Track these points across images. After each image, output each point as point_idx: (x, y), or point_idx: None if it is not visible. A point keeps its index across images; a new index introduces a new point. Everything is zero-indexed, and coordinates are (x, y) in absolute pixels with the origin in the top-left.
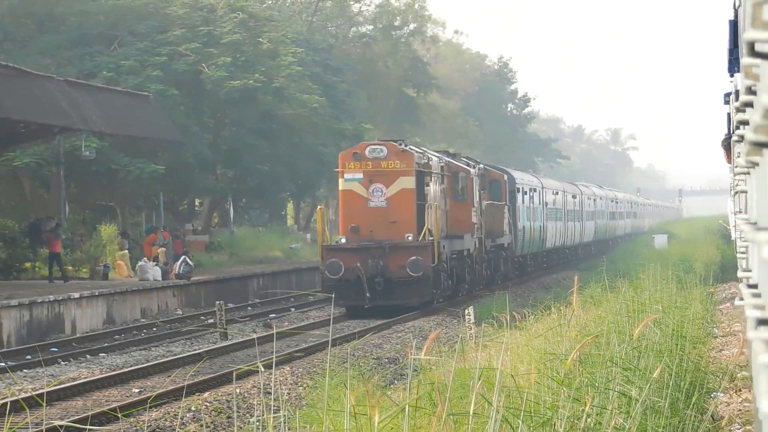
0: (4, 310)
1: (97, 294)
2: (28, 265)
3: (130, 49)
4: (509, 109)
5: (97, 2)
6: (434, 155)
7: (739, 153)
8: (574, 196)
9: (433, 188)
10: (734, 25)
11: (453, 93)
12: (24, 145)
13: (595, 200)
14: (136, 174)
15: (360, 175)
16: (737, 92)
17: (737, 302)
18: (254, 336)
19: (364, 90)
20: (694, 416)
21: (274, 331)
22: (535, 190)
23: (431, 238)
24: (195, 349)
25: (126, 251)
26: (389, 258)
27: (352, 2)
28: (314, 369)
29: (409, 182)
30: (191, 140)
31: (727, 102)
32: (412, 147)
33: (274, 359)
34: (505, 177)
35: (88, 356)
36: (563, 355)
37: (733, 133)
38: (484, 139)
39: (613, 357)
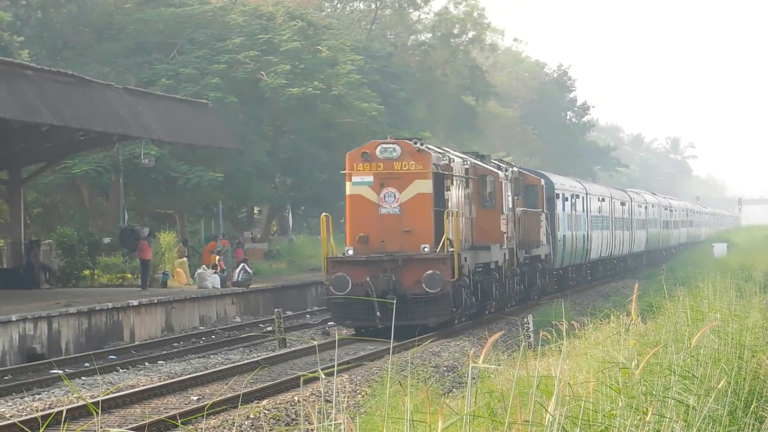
0: (62, 317)
1: (155, 301)
2: (86, 272)
3: (189, 57)
4: (568, 117)
5: (156, 11)
6: (458, 156)
7: None
8: (623, 203)
9: (456, 193)
10: None
11: (512, 101)
12: (83, 153)
13: (646, 208)
14: (194, 182)
15: (370, 178)
16: None
17: None
18: (314, 343)
19: (423, 98)
20: (753, 424)
21: (336, 338)
22: (577, 196)
23: (451, 250)
24: (253, 357)
25: (185, 259)
26: (403, 272)
27: (411, 10)
28: (372, 377)
29: (425, 186)
30: (250, 148)
31: None
32: (430, 146)
33: (336, 367)
34: (543, 182)
35: (146, 364)
36: (621, 363)
37: None
38: (542, 147)
39: (671, 365)
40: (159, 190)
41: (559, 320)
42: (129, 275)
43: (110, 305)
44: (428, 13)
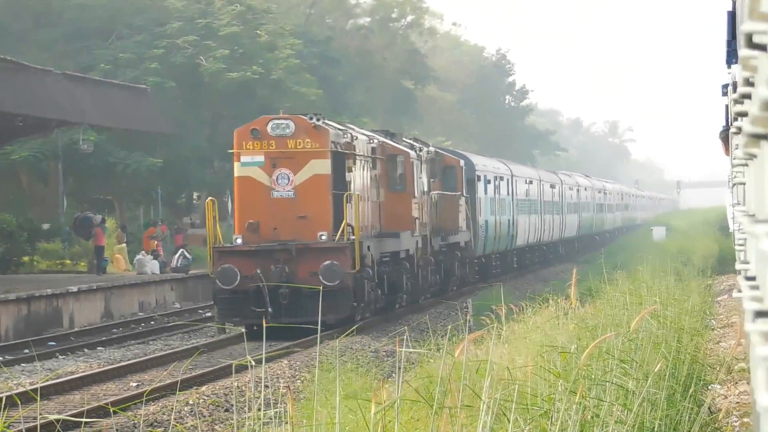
0: (2, 304)
1: (95, 288)
2: (26, 259)
3: (128, 42)
4: (507, 101)
5: None
6: (362, 133)
7: (737, 145)
8: (552, 186)
9: (360, 175)
10: (732, 17)
11: (451, 85)
12: (22, 139)
13: (578, 190)
14: (134, 168)
15: (260, 158)
16: (735, 84)
17: (735, 294)
18: (242, 330)
19: (362, 83)
20: (692, 408)
21: (264, 325)
22: (501, 179)
23: (352, 238)
24: (192, 343)
25: (124, 245)
26: (297, 263)
27: None
28: (312, 363)
29: (322, 166)
30: (189, 134)
31: (725, 94)
32: (329, 122)
33: (263, 354)
34: (462, 162)
35: (85, 350)
36: (561, 347)
37: (731, 124)
38: (482, 131)
39: (610, 349)
40: (98, 176)
41: (498, 305)
42: (68, 261)
43: (50, 291)
44: None
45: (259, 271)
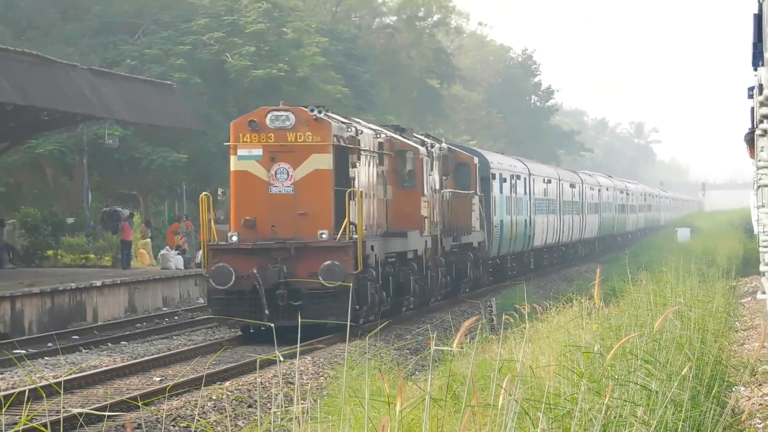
0: (26, 297)
1: (119, 282)
2: (50, 252)
3: (154, 38)
4: (533, 101)
5: None
6: (368, 127)
7: (762, 147)
8: (572, 185)
9: (365, 171)
10: (758, 19)
11: (476, 85)
12: (47, 133)
13: (599, 190)
14: (158, 163)
15: (258, 151)
16: (761, 86)
17: (759, 296)
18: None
19: (388, 81)
20: (714, 409)
21: (299, 321)
22: (518, 177)
23: (355, 236)
24: (216, 338)
25: (148, 240)
26: (296, 263)
27: None
28: (335, 359)
29: (324, 161)
30: (214, 129)
31: (750, 96)
32: (332, 114)
33: (298, 349)
34: (476, 160)
35: (109, 344)
36: (584, 347)
37: (756, 127)
38: (507, 131)
39: (633, 349)
40: (123, 171)
41: (523, 304)
42: (92, 255)
43: (74, 285)
44: None
45: (255, 271)
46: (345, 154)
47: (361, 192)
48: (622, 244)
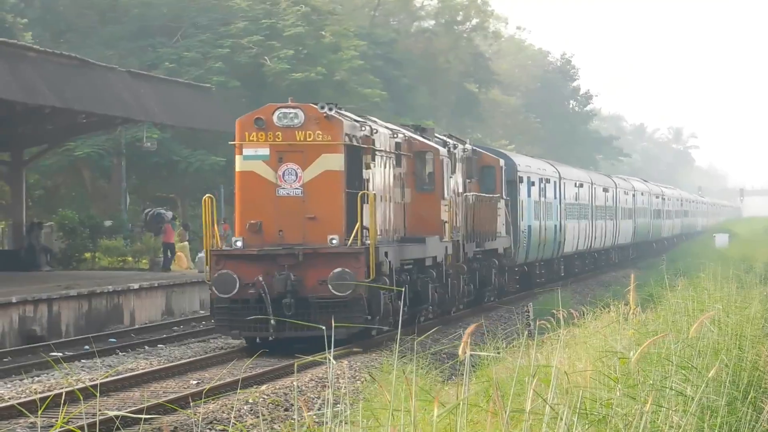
0: (63, 300)
1: (156, 285)
2: (87, 255)
3: (193, 41)
4: (571, 106)
5: None
6: (385, 127)
7: None
8: (605, 190)
9: (380, 172)
10: None
11: (514, 89)
12: (85, 136)
13: (634, 195)
14: (196, 166)
15: (265, 151)
16: None
17: None
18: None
19: (426, 85)
20: (751, 415)
21: (333, 325)
22: (547, 181)
23: (368, 242)
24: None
25: (186, 243)
26: (304, 270)
27: None
28: (372, 363)
29: (335, 162)
30: None
31: None
32: (344, 112)
33: (331, 352)
34: (502, 162)
35: (146, 347)
36: (619, 352)
37: None
38: (545, 136)
39: (669, 355)
40: (161, 174)
41: (558, 309)
42: (130, 258)
43: (110, 288)
44: (432, 0)
45: (261, 278)
46: (358, 155)
47: (375, 195)
48: (658, 251)
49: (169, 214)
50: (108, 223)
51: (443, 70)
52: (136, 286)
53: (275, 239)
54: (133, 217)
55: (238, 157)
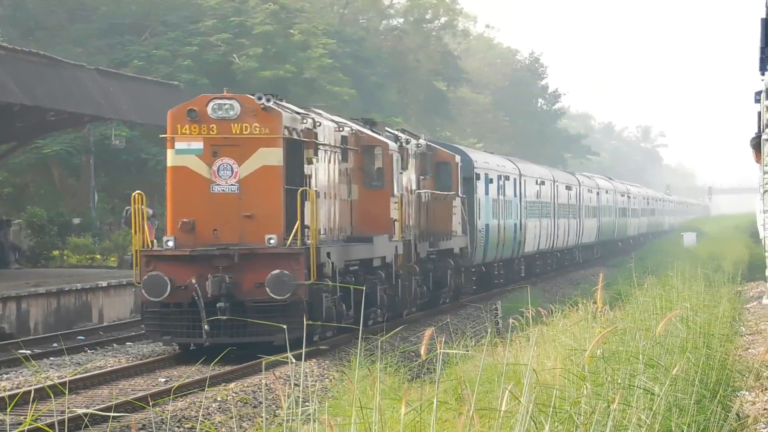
0: (31, 297)
1: (124, 283)
2: (56, 253)
3: (162, 38)
4: (539, 104)
5: None
6: (329, 120)
7: None
8: (568, 188)
9: (324, 168)
10: (766, 24)
11: (483, 87)
12: (54, 134)
13: (598, 193)
14: (165, 164)
15: (199, 145)
16: None
17: (765, 301)
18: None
19: (395, 83)
20: (719, 414)
21: (305, 322)
22: (507, 178)
23: (308, 242)
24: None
25: (154, 241)
26: (241, 271)
27: None
28: (339, 362)
29: (273, 156)
30: None
31: (758, 101)
32: (283, 104)
33: (303, 351)
34: (458, 158)
35: (114, 345)
36: (587, 350)
37: (763, 131)
38: (514, 134)
39: (637, 353)
40: (130, 172)
41: (527, 307)
42: (98, 256)
43: (79, 286)
44: None
45: (194, 281)
46: (299, 149)
47: (317, 191)
48: (624, 250)
49: (150, 211)
50: (77, 220)
51: (412, 69)
52: (104, 284)
53: (209, 239)
54: (102, 215)
55: (169, 151)
